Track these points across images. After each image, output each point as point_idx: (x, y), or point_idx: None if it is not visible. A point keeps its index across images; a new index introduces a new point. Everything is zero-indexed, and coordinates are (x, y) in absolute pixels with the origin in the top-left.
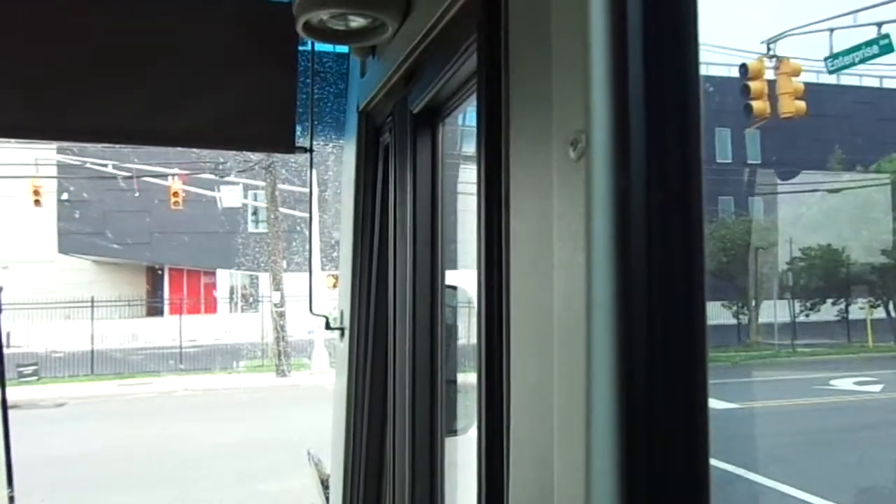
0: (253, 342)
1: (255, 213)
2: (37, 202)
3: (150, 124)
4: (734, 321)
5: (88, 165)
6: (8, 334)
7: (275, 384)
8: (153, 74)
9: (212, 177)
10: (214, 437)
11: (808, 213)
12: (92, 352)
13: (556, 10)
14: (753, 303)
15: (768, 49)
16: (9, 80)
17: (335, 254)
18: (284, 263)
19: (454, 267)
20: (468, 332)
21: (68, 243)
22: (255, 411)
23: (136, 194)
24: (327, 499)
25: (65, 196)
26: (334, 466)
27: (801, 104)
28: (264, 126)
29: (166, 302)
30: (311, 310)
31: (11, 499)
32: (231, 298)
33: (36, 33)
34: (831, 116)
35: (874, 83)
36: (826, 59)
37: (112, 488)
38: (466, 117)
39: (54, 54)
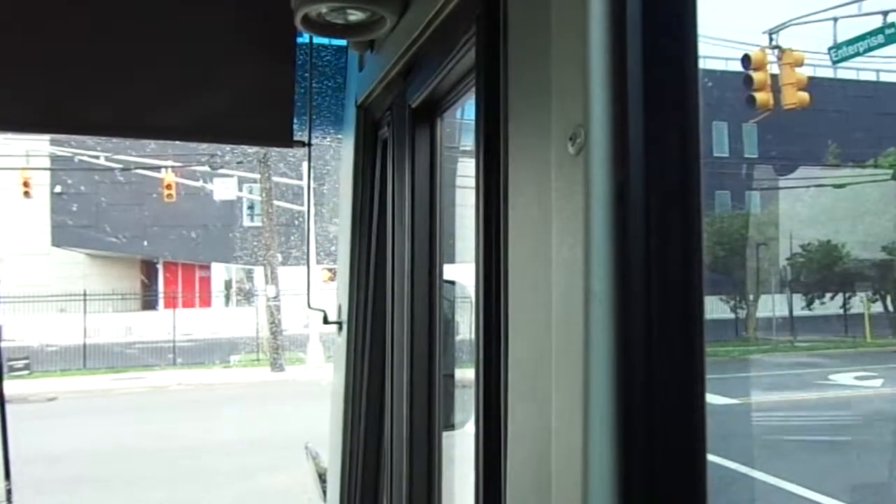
0: (248, 336)
1: (250, 206)
2: (26, 194)
3: (148, 118)
4: (732, 315)
5: (80, 158)
6: (0, 328)
7: (270, 379)
8: (151, 68)
9: (207, 169)
10: (207, 433)
11: (805, 208)
12: (84, 345)
13: (555, 5)
14: (751, 297)
15: (770, 39)
16: (7, 74)
17: (332, 248)
18: (280, 257)
19: (452, 261)
20: (466, 326)
21: (62, 236)
22: (250, 406)
23: (128, 187)
24: (325, 493)
25: (58, 188)
26: (332, 460)
27: (805, 95)
28: (262, 120)
29: (161, 295)
30: (308, 304)
31: (9, 492)
32: (227, 292)
33: (35, 29)
34: (830, 111)
35: (871, 77)
36: (830, 49)
37: (103, 487)
38: (465, 111)
39: (53, 49)
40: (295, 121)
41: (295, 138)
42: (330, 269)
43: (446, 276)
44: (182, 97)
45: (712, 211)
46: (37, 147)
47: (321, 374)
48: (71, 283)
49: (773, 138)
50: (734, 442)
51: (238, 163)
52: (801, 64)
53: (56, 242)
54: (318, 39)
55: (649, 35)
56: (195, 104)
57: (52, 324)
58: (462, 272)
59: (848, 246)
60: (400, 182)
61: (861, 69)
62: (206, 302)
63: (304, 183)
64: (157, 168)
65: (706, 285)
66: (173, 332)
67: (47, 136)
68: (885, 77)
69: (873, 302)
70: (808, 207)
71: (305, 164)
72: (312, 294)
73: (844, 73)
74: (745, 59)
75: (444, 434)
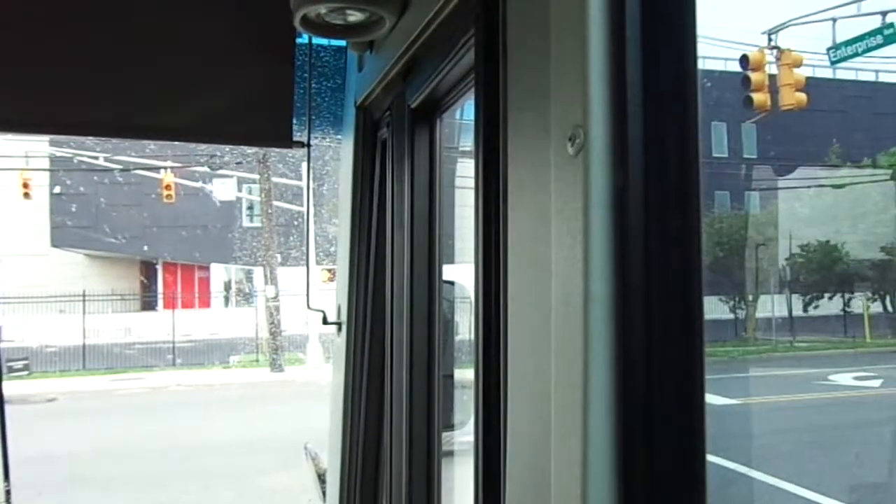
0: (247, 337)
1: (250, 207)
2: (26, 195)
3: (147, 118)
4: (731, 316)
5: (80, 159)
6: (0, 328)
7: (269, 379)
8: (151, 69)
9: (206, 170)
10: (207, 433)
11: (804, 208)
12: (84, 346)
13: (554, 5)
14: (751, 297)
15: (769, 40)
16: (7, 74)
17: (332, 248)
18: (279, 258)
19: (452, 262)
20: (466, 326)
21: (61, 237)
22: (249, 407)
23: (127, 188)
24: (324, 493)
25: (57, 189)
26: (331, 461)
27: (802, 96)
28: (262, 121)
29: (160, 296)
30: (307, 304)
31: (8, 493)
32: (226, 293)
33: (35, 29)
34: (828, 111)
35: (870, 77)
36: (829, 49)
37: (102, 488)
38: (464, 112)
39: (53, 49)
40: (294, 121)
41: (294, 139)
42: (329, 270)
43: (446, 277)
44: (181, 98)
45: (711, 211)
46: (36, 148)
47: (320, 374)
48: (70, 284)
49: (773, 139)
50: (734, 442)
51: (237, 163)
52: (799, 65)
53: (55, 243)
54: (317, 40)
55: (648, 35)
56: (194, 105)
57: (51, 324)
58: (462, 272)
59: (847, 246)
60: (399, 183)
61: (860, 69)
62: (205, 303)
63: (304, 183)
64: (157, 169)
65: (705, 286)
66: (172, 333)
67: (47, 137)
68: (883, 77)
69: (872, 302)
70: (808, 207)
71: (305, 165)
72: (312, 294)
73: (844, 73)
74: (744, 60)
75: (444, 434)
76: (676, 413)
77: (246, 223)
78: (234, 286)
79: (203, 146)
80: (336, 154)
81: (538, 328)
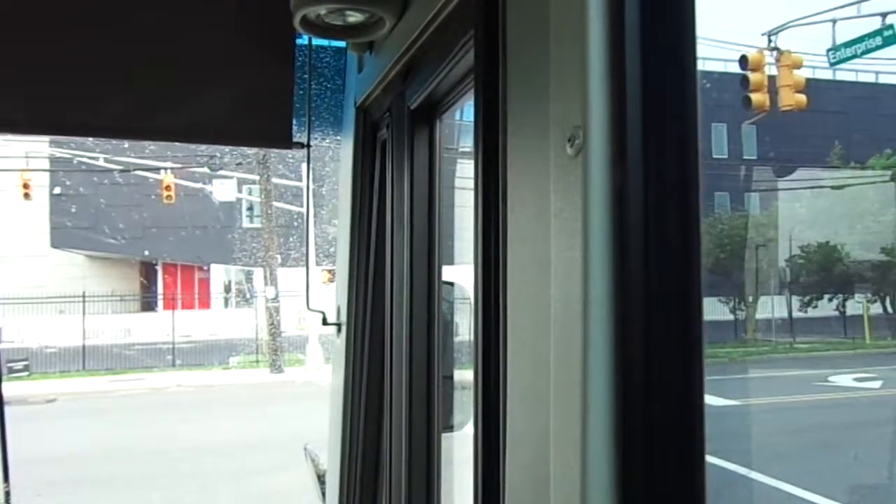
0: (247, 338)
1: (250, 208)
2: (26, 196)
3: (147, 119)
4: (731, 317)
5: (80, 160)
6: (0, 329)
7: (269, 380)
8: (151, 69)
9: (206, 171)
10: (206, 434)
11: (804, 209)
12: (83, 347)
13: (553, 6)
14: (750, 298)
15: (769, 41)
16: (8, 75)
17: (331, 249)
18: (279, 258)
19: (451, 262)
20: (465, 327)
21: (61, 238)
22: (249, 408)
23: (127, 188)
24: (324, 494)
25: (57, 190)
26: (331, 462)
27: (802, 97)
28: (261, 121)
29: (160, 297)
30: (307, 305)
31: (7, 494)
32: (226, 294)
33: (35, 29)
34: (828, 112)
35: (870, 78)
36: (828, 50)
37: (102, 489)
38: (464, 113)
39: (53, 49)
40: (294, 122)
41: (294, 140)
42: (329, 271)
43: (445, 278)
44: (181, 98)
45: (711, 212)
46: (36, 148)
47: (320, 375)
48: (70, 285)
49: (772, 140)
50: (733, 443)
51: (237, 164)
52: (799, 66)
53: (55, 244)
54: (317, 41)
55: (648, 36)
56: (194, 106)
57: (51, 325)
58: (461, 273)
59: (847, 247)
60: (399, 183)
61: (860, 70)
62: (205, 304)
63: (304, 184)
64: (157, 170)
65: (705, 287)
66: (172, 334)
67: (47, 138)
68: (883, 79)
69: (872, 303)
70: (807, 209)
71: (304, 166)
72: (312, 295)
73: (844, 74)
74: (743, 60)
75: (443, 436)
76: (676, 414)
77: (246, 224)
78: (233, 287)
79: (203, 147)
80: (336, 155)
81: (537, 328)
